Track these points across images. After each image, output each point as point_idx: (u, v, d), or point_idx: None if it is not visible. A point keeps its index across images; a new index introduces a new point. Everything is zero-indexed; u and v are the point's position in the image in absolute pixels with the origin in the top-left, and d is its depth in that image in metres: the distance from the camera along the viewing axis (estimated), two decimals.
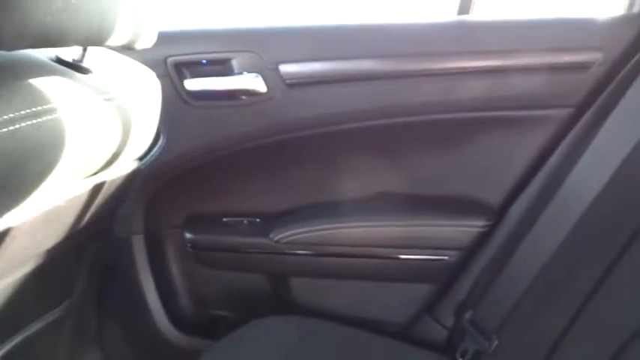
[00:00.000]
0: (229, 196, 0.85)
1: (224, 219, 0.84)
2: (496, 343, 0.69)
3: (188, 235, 0.85)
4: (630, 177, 0.61)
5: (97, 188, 0.57)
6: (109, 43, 0.45)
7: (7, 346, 0.60)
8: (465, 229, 0.77)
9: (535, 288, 0.67)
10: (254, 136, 0.74)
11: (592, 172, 0.65)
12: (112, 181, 0.59)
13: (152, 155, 0.74)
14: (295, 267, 0.82)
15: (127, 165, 0.62)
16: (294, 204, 0.82)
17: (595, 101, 0.69)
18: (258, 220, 0.83)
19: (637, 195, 0.59)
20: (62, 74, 0.47)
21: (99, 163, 0.53)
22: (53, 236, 0.54)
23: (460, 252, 0.77)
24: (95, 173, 0.55)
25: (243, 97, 0.72)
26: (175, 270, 0.90)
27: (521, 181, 0.75)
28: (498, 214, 0.76)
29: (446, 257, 0.77)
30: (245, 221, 0.83)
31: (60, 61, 0.50)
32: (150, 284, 0.86)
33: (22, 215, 0.44)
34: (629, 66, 0.66)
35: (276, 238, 0.80)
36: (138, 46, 0.51)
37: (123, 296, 0.88)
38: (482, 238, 0.77)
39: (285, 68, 0.71)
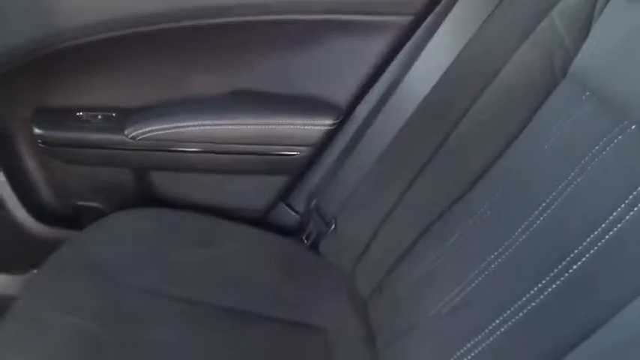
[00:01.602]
0: (80, 90, 0.82)
1: (77, 113, 0.82)
2: (333, 226, 0.79)
3: (37, 131, 0.82)
4: (454, 78, 0.69)
5: None
6: None
7: None
8: (315, 127, 0.82)
9: (369, 177, 0.76)
10: (92, 30, 0.70)
11: (424, 73, 0.72)
12: None
13: None
14: (153, 161, 0.84)
15: None
16: (148, 100, 0.82)
17: (432, 10, 0.73)
18: (113, 114, 0.82)
19: (458, 95, 0.67)
20: None
21: None
22: None
23: (311, 147, 0.83)
24: None
25: None
26: (31, 164, 0.88)
27: (367, 82, 0.80)
28: (346, 113, 0.82)
29: (298, 152, 0.83)
30: (99, 116, 0.82)
31: None
32: (1, 178, 0.84)
33: None
34: None
35: (132, 134, 0.80)
36: None
37: None
38: (331, 135, 0.83)
39: None
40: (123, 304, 0.64)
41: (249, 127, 0.82)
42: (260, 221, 0.89)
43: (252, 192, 0.87)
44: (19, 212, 0.87)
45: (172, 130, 0.80)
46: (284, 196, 0.88)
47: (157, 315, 0.65)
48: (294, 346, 0.67)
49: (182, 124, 0.81)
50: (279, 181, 0.87)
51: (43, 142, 0.83)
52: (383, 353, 0.61)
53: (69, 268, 0.67)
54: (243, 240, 0.81)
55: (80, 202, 0.92)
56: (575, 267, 0.46)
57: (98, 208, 0.92)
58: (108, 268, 0.68)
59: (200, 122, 0.81)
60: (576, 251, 0.46)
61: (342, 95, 0.82)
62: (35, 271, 0.93)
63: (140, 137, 0.80)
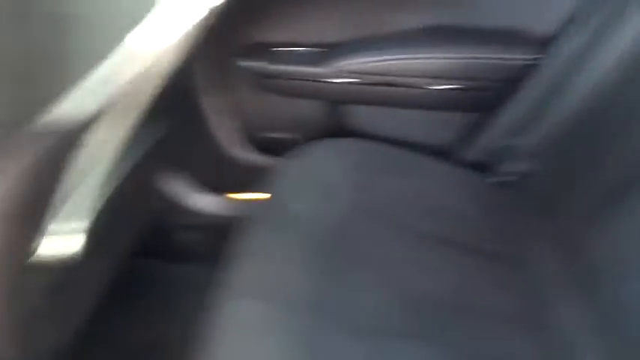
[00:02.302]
0: (286, 24, 0.88)
1: (283, 47, 0.88)
2: (529, 166, 0.79)
3: (245, 63, 0.90)
4: None
5: None
6: None
7: None
8: (513, 61, 0.81)
9: (577, 116, 0.74)
10: None
11: None
12: None
13: None
14: (350, 94, 0.89)
15: None
16: (348, 35, 0.86)
17: None
18: (315, 49, 0.87)
19: None
20: None
21: None
22: None
23: (507, 83, 0.82)
24: None
25: None
26: (239, 93, 0.97)
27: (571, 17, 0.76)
28: (547, 47, 0.80)
29: (493, 88, 0.83)
30: (301, 50, 0.88)
31: None
32: (213, 107, 0.94)
33: None
34: None
35: (333, 66, 0.85)
36: None
37: (191, 119, 0.97)
38: (529, 71, 0.81)
39: None
40: (344, 217, 0.71)
41: (444, 61, 0.83)
42: (449, 157, 0.91)
43: (443, 127, 0.89)
44: (225, 139, 0.97)
45: (370, 64, 0.84)
46: (475, 133, 0.89)
47: (371, 233, 0.71)
48: (499, 277, 0.69)
49: (380, 58, 0.84)
50: (471, 118, 0.88)
51: (250, 74, 0.91)
52: (603, 289, 0.62)
53: (292, 186, 0.75)
54: (436, 173, 0.83)
55: (278, 133, 1.00)
56: None
57: (293, 139, 0.99)
58: (324, 187, 0.75)
59: (396, 56, 0.84)
60: None
61: (544, 28, 0.79)
62: (239, 194, 1.05)
63: (340, 69, 0.85)
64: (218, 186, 1.06)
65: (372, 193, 0.76)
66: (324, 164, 0.80)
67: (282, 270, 0.63)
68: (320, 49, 0.87)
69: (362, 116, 0.93)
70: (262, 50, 0.90)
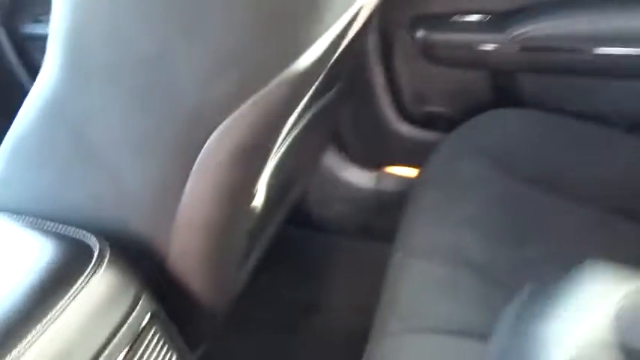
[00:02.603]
0: None
1: (453, 18, 0.85)
2: None
3: (417, 34, 0.88)
4: None
5: None
6: None
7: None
8: None
9: None
10: None
11: None
12: None
13: None
14: (525, 62, 0.83)
15: None
16: (526, 0, 0.80)
17: None
18: (489, 16, 0.83)
19: None
20: None
21: None
22: None
23: None
24: None
25: None
26: (403, 67, 0.95)
27: None
28: None
29: None
30: (476, 18, 0.84)
31: None
32: (380, 79, 0.94)
33: None
34: None
35: (511, 34, 0.80)
36: None
37: (351, 91, 0.98)
38: None
39: None
40: (518, 188, 0.68)
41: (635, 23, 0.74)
42: (634, 130, 0.82)
43: (636, 98, 0.81)
44: (389, 112, 0.97)
45: (551, 30, 0.78)
46: None
47: (546, 205, 0.68)
48: None
49: (561, 22, 0.78)
50: None
51: (420, 45, 0.89)
52: None
53: (464, 156, 0.74)
54: (619, 145, 0.76)
55: (439, 107, 0.98)
56: None
57: (452, 113, 0.96)
58: (499, 157, 0.72)
59: (579, 19, 0.77)
60: None
61: None
62: (394, 167, 1.05)
63: (518, 37, 0.80)
64: (373, 159, 1.07)
65: (548, 165, 0.72)
66: (496, 134, 0.77)
67: (459, 236, 0.62)
68: (492, 17, 0.83)
69: (531, 86, 0.87)
70: (430, 20, 0.88)
